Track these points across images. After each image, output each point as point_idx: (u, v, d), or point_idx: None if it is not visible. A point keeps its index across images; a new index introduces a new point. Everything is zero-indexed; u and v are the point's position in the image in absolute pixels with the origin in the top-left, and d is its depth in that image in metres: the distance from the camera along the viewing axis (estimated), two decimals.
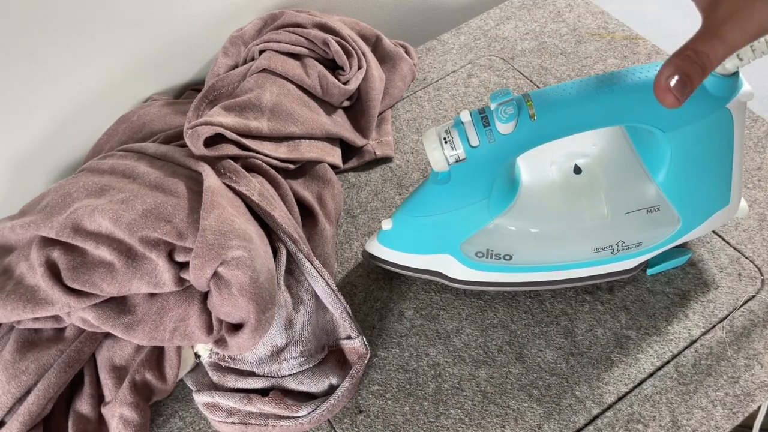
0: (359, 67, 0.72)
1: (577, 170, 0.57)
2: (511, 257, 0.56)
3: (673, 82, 0.36)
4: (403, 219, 0.56)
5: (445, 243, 0.56)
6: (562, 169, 0.57)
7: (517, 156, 0.51)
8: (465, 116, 0.49)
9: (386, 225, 0.57)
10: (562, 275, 0.58)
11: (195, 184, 0.56)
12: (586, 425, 0.54)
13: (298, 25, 0.72)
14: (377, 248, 0.59)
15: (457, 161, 0.49)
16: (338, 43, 0.71)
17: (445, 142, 0.49)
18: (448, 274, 0.59)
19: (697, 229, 0.57)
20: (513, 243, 0.56)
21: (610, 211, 0.55)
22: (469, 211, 0.53)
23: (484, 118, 0.48)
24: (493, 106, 0.47)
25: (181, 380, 0.59)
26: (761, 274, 0.61)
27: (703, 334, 0.58)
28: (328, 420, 0.56)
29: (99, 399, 0.55)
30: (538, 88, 0.77)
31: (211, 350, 0.57)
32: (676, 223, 0.55)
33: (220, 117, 0.62)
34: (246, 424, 0.54)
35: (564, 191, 0.56)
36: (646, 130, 0.50)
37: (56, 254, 0.51)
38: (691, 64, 0.36)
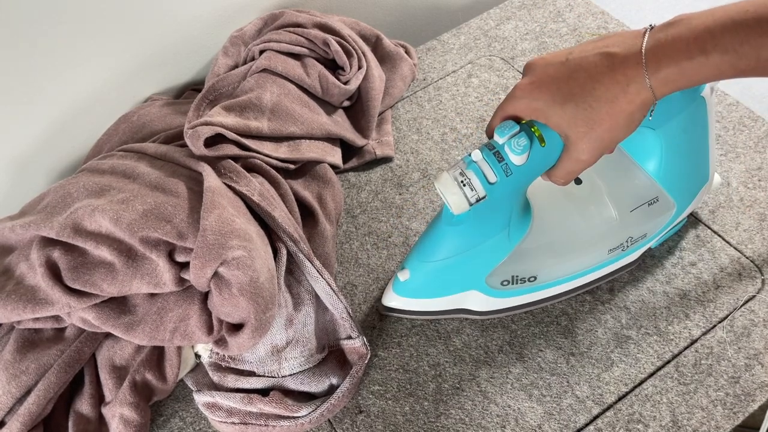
0: (359, 67, 0.72)
1: (578, 181, 0.58)
2: (535, 278, 0.57)
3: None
4: (420, 266, 0.55)
5: (470, 280, 0.55)
6: None
7: (531, 182, 0.51)
8: (476, 155, 0.48)
9: (403, 275, 0.55)
10: (581, 281, 0.59)
11: (195, 184, 0.56)
12: (587, 425, 0.54)
13: (299, 25, 0.72)
14: (396, 300, 0.58)
15: (477, 200, 0.49)
16: (338, 43, 0.71)
17: (464, 185, 0.48)
18: (474, 309, 0.58)
19: (687, 209, 0.59)
20: (536, 264, 0.56)
21: (617, 212, 0.57)
22: (491, 244, 0.53)
23: (496, 153, 0.48)
24: (502, 140, 0.47)
25: (182, 380, 0.58)
26: (761, 274, 0.61)
27: (704, 334, 0.58)
28: (329, 420, 0.56)
29: (99, 399, 0.55)
30: None
31: (211, 350, 0.57)
32: (672, 208, 0.58)
33: (221, 117, 0.62)
34: (246, 424, 0.54)
35: (573, 203, 0.57)
36: None
37: (56, 254, 0.51)
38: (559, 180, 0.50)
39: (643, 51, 0.41)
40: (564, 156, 0.47)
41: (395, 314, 0.60)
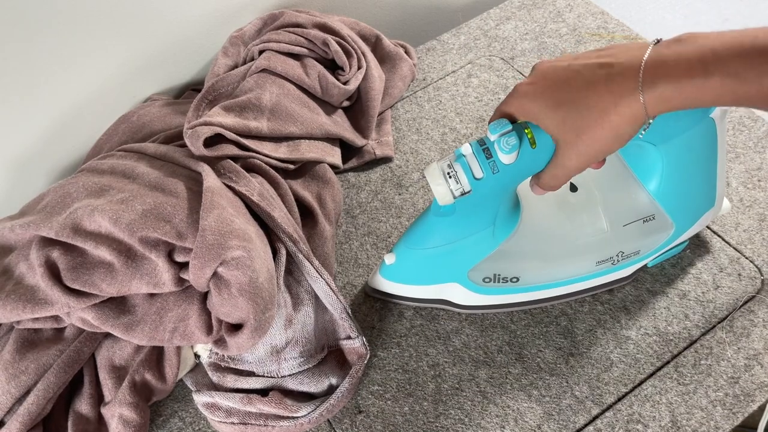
0: (359, 67, 0.72)
1: (573, 188, 0.58)
2: (518, 279, 0.57)
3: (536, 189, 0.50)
4: (406, 252, 0.56)
5: (452, 272, 0.56)
6: None
7: (519, 183, 0.51)
8: (466, 149, 0.49)
9: (389, 259, 0.56)
10: (565, 290, 0.59)
11: (195, 185, 0.56)
12: (586, 425, 0.54)
13: (298, 25, 0.72)
14: (381, 282, 0.59)
15: (462, 194, 0.49)
16: (338, 43, 0.71)
17: (449, 177, 0.49)
18: (454, 301, 0.59)
19: (688, 231, 0.58)
20: (520, 265, 0.56)
21: (609, 225, 0.56)
22: (475, 240, 0.53)
23: (485, 149, 0.48)
24: (493, 138, 0.47)
25: (181, 380, 0.58)
26: (761, 274, 0.61)
27: (703, 334, 0.58)
28: (328, 420, 0.56)
29: (99, 399, 0.55)
30: None
31: (210, 350, 0.57)
32: (670, 228, 0.57)
33: (220, 117, 0.62)
34: (246, 424, 0.54)
35: (564, 210, 0.57)
36: (635, 143, 0.51)
37: (56, 254, 0.51)
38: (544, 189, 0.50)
39: (642, 64, 0.41)
40: (551, 160, 0.47)
41: (379, 296, 0.61)
